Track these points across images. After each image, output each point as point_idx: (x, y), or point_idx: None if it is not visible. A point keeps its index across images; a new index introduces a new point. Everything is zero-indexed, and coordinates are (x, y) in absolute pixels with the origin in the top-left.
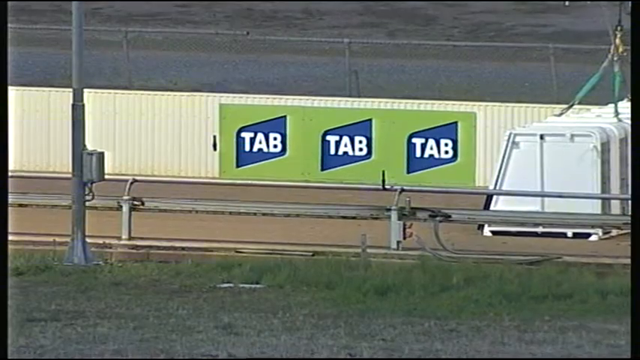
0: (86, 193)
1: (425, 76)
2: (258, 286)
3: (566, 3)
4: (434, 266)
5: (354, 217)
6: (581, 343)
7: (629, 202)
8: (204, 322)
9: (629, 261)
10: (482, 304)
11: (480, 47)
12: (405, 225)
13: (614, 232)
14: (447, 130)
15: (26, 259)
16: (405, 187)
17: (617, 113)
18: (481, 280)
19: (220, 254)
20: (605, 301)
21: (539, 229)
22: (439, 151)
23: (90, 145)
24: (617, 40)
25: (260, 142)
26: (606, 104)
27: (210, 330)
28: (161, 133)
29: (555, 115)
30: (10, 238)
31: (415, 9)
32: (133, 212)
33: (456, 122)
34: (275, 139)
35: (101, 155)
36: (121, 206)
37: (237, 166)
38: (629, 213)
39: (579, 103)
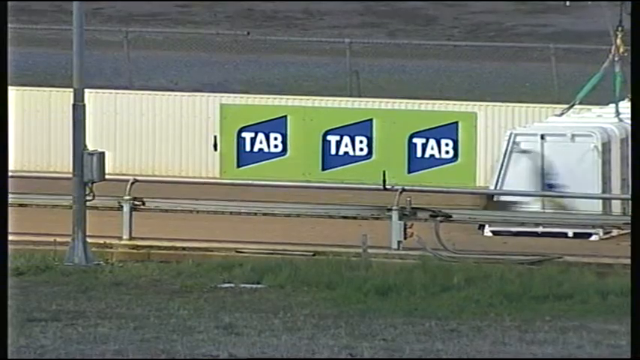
0: (87, 193)
1: (425, 76)
2: (259, 286)
3: (567, 3)
4: (435, 266)
5: (354, 217)
6: (582, 344)
7: (630, 202)
8: (205, 323)
9: (629, 261)
10: (483, 304)
11: (480, 47)
12: (405, 225)
13: (615, 232)
14: (448, 130)
15: (27, 259)
16: (405, 187)
17: (618, 113)
18: (482, 280)
19: (221, 254)
20: (605, 302)
21: (540, 229)
22: (440, 151)
23: (91, 145)
24: (618, 41)
25: (261, 142)
26: (607, 104)
27: (211, 330)
28: (162, 133)
29: (556, 115)
30: (10, 238)
31: (416, 9)
32: (133, 212)
33: (456, 122)
34: (276, 139)
35: (102, 155)
36: (122, 206)
37: (238, 166)
38: (630, 213)
39: (580, 103)
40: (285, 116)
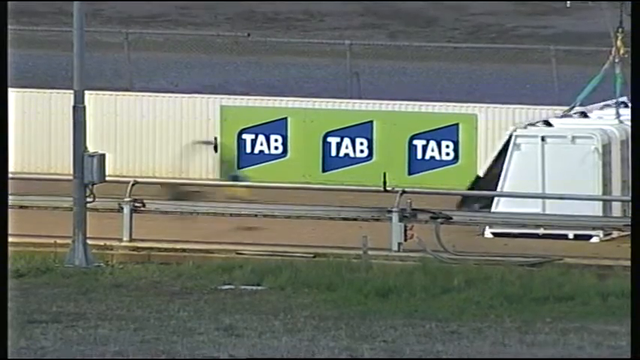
0: (87, 194)
1: (426, 77)
2: (259, 287)
3: (568, 4)
4: (435, 268)
5: (355, 219)
6: (583, 345)
7: (630, 203)
8: (206, 324)
9: (630, 263)
10: (483, 305)
11: (481, 49)
12: (406, 227)
13: (615, 233)
14: (448, 132)
15: (27, 261)
16: (406, 189)
17: (618, 115)
18: (482, 281)
19: (221, 256)
20: (606, 303)
21: (540, 231)
22: (440, 153)
23: (91, 147)
24: (619, 42)
25: (261, 144)
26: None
27: (211, 332)
28: (162, 134)
29: (556, 117)
30: (11, 239)
31: (416, 10)
32: (134, 214)
33: (457, 124)
34: (276, 140)
35: (102, 157)
36: (122, 208)
37: (239, 167)
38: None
39: (580, 105)
40: (286, 118)
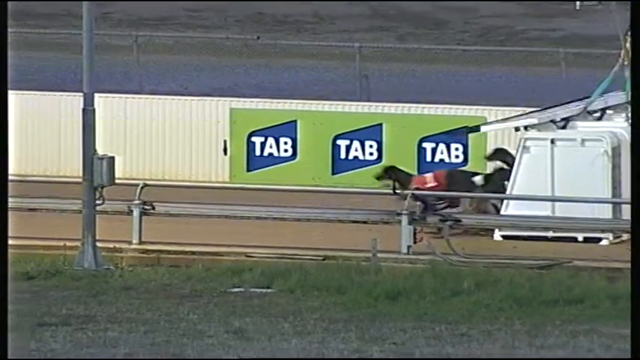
0: (97, 197)
1: (435, 80)
2: (268, 290)
3: (577, 5)
4: (444, 271)
5: (364, 222)
6: (593, 348)
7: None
8: (215, 327)
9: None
10: (493, 308)
11: (490, 51)
12: (415, 229)
13: (625, 236)
14: (459, 136)
15: (36, 264)
16: (415, 192)
17: (628, 117)
18: (492, 284)
19: (231, 259)
20: (616, 306)
21: (550, 234)
22: (449, 156)
23: (100, 150)
24: (628, 45)
25: (270, 147)
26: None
27: (220, 334)
28: (172, 137)
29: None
30: (20, 242)
31: (425, 13)
32: (143, 217)
33: (466, 127)
34: (285, 143)
35: (112, 160)
36: (132, 210)
37: (248, 170)
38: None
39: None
40: (295, 121)
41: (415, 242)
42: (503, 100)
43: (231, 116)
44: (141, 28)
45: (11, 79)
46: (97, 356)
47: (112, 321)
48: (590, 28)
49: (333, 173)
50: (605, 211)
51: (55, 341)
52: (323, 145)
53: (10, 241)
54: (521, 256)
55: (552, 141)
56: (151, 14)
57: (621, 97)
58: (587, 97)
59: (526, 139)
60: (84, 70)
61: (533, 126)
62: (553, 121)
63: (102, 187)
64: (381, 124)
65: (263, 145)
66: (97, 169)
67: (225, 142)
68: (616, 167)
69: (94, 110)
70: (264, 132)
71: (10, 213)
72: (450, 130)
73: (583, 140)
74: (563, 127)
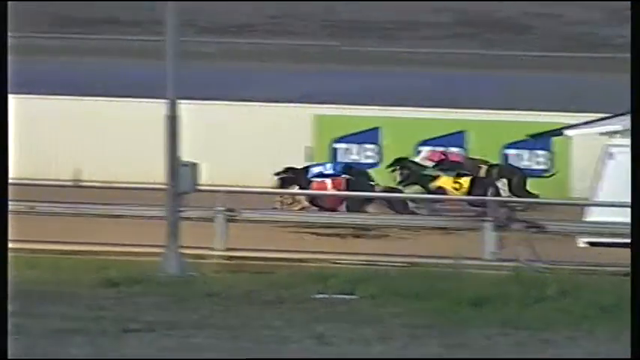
0: (181, 203)
1: (520, 86)
2: (352, 296)
3: None
4: (528, 277)
5: (449, 228)
6: None
7: None
8: (299, 333)
9: None
10: (576, 315)
11: (574, 58)
12: (500, 236)
13: None
14: (543, 142)
15: (121, 270)
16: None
17: None
18: (576, 291)
19: (315, 265)
20: None
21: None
22: (535, 163)
23: (185, 156)
24: None
25: (354, 153)
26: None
27: (304, 340)
28: (255, 143)
29: None
30: (104, 248)
31: (509, 18)
32: (227, 223)
33: (548, 131)
34: (369, 149)
35: (195, 166)
36: (216, 217)
37: None
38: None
39: None
40: (379, 127)
41: (500, 249)
42: (587, 106)
43: (315, 123)
44: (225, 35)
45: (97, 85)
46: None
47: (197, 327)
48: None
49: None
50: None
51: (141, 347)
52: (406, 151)
53: (94, 247)
54: (605, 262)
55: None
56: (235, 21)
57: None
58: None
59: (610, 146)
60: (168, 76)
61: (617, 132)
62: None
63: (186, 194)
64: (465, 131)
65: (347, 151)
66: (181, 175)
67: (308, 148)
68: None
69: (178, 117)
70: (347, 138)
71: (94, 219)
72: (534, 135)
73: None
74: None
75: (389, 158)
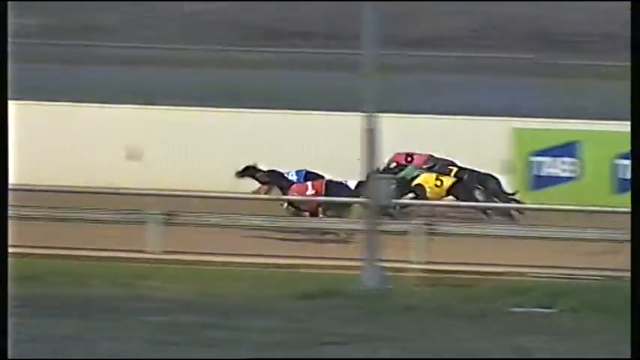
0: (385, 216)
1: None
2: (551, 310)
3: None
4: None
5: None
6: None
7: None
8: (498, 347)
9: None
10: None
11: None
12: None
13: None
14: None
15: (316, 283)
16: None
17: None
18: None
19: (513, 278)
20: None
21: None
22: None
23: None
24: None
25: (553, 167)
26: None
27: (503, 354)
28: (455, 156)
29: None
30: (297, 262)
31: None
32: (426, 236)
33: None
34: (568, 163)
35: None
36: (413, 230)
37: (531, 189)
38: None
39: None
40: (578, 141)
41: None
42: None
43: (513, 136)
44: (423, 48)
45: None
46: None
47: (392, 340)
48: None
49: (616, 193)
50: None
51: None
52: (605, 164)
53: (292, 261)
54: None
55: None
56: (434, 34)
57: None
58: None
59: None
60: (365, 89)
61: None
62: None
63: (388, 207)
64: None
65: (545, 165)
66: (379, 189)
67: (505, 161)
68: None
69: (377, 130)
70: (546, 152)
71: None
72: None
73: None
74: None
75: (587, 172)
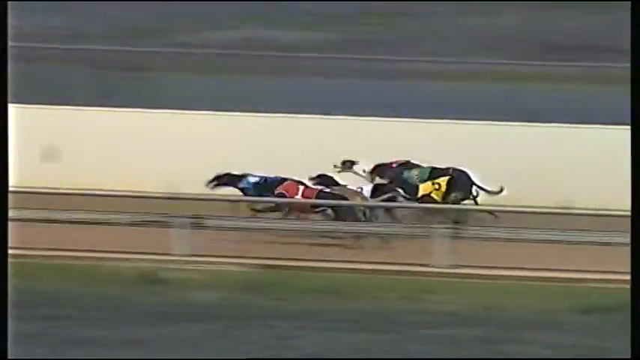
0: None
1: None
2: None
3: None
4: None
5: None
6: None
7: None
8: None
9: None
10: None
11: None
12: None
13: None
14: None
15: (590, 297)
16: None
17: None
18: None
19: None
20: None
21: None
22: None
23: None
24: None
25: None
26: None
27: None
28: (568, 167)
29: None
30: (570, 275)
31: None
32: None
33: None
34: None
35: None
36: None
37: None
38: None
39: None
40: None
41: None
42: None
43: None
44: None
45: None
46: None
47: None
48: None
49: None
50: None
51: None
52: None
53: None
54: None
55: None
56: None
57: None
58: None
59: None
60: None
61: None
62: None
63: None
64: None
65: None
66: None
67: None
68: None
69: None
70: None
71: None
72: None
73: None
74: None
75: None
